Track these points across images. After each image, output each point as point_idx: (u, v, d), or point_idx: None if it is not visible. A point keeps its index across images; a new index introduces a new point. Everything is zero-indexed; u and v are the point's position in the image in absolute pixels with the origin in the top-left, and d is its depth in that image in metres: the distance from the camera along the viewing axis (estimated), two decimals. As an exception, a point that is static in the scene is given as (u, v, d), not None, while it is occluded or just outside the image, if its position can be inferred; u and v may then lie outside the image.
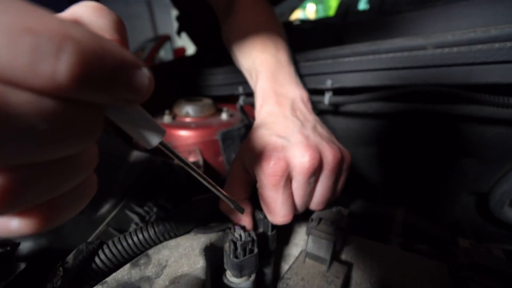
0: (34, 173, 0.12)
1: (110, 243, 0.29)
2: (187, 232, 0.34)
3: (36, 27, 0.10)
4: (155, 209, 0.44)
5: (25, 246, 0.32)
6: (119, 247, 0.29)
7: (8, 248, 0.27)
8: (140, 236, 0.30)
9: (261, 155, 0.30)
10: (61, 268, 0.25)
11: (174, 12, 0.91)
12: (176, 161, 0.21)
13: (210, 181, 0.24)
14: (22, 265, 0.27)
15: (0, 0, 0.09)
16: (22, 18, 0.10)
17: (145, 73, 0.14)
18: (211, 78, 0.79)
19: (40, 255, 0.32)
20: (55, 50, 0.10)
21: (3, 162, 0.10)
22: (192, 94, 0.81)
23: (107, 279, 0.28)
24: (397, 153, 0.62)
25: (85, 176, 0.15)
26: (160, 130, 0.18)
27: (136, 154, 0.46)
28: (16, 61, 0.09)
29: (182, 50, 2.21)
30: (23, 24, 0.09)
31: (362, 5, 1.27)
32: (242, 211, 0.29)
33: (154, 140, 0.17)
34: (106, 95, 0.12)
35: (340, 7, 1.28)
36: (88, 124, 0.12)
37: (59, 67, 0.10)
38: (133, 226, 0.42)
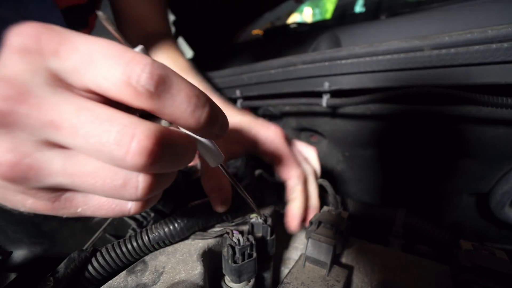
0: (162, 179, 0.19)
1: (103, 250, 0.29)
2: (184, 239, 0.33)
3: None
4: (152, 214, 0.44)
5: (19, 255, 0.31)
6: (113, 254, 0.28)
7: (0, 257, 0.26)
8: (134, 243, 0.29)
9: None
10: (51, 278, 0.24)
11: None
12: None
13: (246, 194, 0.30)
14: (13, 276, 0.26)
15: None
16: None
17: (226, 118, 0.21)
18: (209, 82, 0.78)
19: (34, 263, 0.32)
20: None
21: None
22: (190, 97, 0.81)
23: (102, 287, 0.27)
24: (396, 155, 0.62)
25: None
26: (221, 156, 0.25)
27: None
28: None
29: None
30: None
31: (359, 8, 1.28)
32: (260, 216, 0.33)
33: (217, 162, 0.25)
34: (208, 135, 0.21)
35: (336, 10, 1.29)
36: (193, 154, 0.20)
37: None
38: (130, 232, 0.42)
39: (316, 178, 0.43)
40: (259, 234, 0.33)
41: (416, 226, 0.43)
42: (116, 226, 0.42)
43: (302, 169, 0.39)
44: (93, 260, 0.28)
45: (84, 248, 0.36)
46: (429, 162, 0.58)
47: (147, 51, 0.18)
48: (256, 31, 1.39)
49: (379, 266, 0.34)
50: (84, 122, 0.15)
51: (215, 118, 0.19)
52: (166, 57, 0.53)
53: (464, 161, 0.53)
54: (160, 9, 0.58)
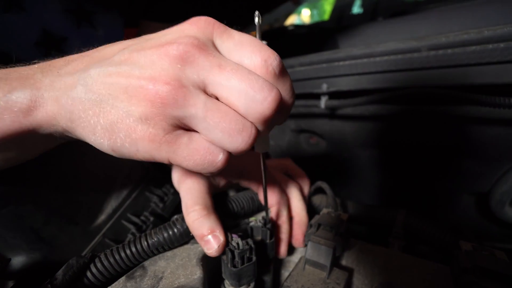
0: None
1: (102, 256, 0.29)
2: (183, 243, 0.33)
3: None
4: (152, 219, 0.44)
5: (18, 261, 0.31)
6: (112, 260, 0.28)
7: (-1, 264, 0.26)
8: (133, 249, 0.29)
9: None
10: (49, 285, 0.24)
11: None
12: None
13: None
14: (10, 283, 0.26)
15: None
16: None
17: None
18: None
19: (33, 270, 0.32)
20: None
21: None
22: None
23: (101, 293, 0.27)
24: (395, 156, 0.62)
25: None
26: (269, 145, 0.28)
27: (132, 164, 0.46)
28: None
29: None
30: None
31: (356, 9, 1.29)
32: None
33: (265, 149, 0.28)
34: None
35: (334, 11, 1.30)
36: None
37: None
38: (129, 236, 0.41)
39: (304, 191, 0.43)
40: (259, 237, 0.33)
41: (416, 227, 0.43)
42: (116, 231, 0.42)
43: (283, 193, 0.39)
44: (92, 266, 0.28)
45: (83, 253, 0.36)
46: (428, 162, 0.58)
47: None
48: (254, 33, 1.39)
49: (380, 267, 0.34)
50: (242, 69, 0.21)
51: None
52: None
53: (463, 161, 0.53)
54: None
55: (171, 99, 0.20)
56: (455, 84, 0.43)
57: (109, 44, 0.25)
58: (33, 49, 0.42)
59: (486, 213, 0.55)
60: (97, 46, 0.49)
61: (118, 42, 0.25)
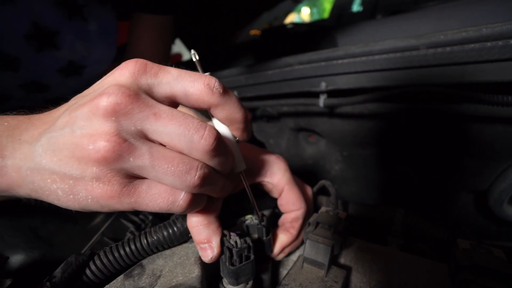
0: (212, 178, 0.25)
1: (101, 254, 0.29)
2: (182, 242, 0.33)
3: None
4: (150, 217, 0.44)
5: (16, 260, 0.31)
6: (111, 257, 0.28)
7: (-4, 263, 0.26)
8: (133, 247, 0.29)
9: None
10: (48, 283, 0.24)
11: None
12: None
13: (255, 202, 0.32)
14: (8, 281, 0.26)
15: None
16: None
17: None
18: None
19: (32, 268, 0.32)
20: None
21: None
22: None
23: (99, 291, 0.27)
24: (394, 154, 0.62)
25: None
26: (243, 164, 0.29)
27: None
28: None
29: (179, 56, 2.22)
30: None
31: (356, 7, 1.28)
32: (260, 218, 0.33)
33: (240, 168, 0.29)
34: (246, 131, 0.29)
35: (334, 9, 1.29)
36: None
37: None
38: (128, 235, 0.41)
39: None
40: (255, 236, 0.33)
41: (415, 225, 0.43)
42: (115, 229, 0.42)
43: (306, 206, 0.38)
44: (91, 263, 0.28)
45: (82, 251, 0.36)
46: (427, 161, 0.58)
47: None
48: (254, 32, 1.39)
49: (378, 266, 0.34)
50: (177, 114, 0.22)
51: (248, 118, 0.28)
52: None
53: (462, 159, 0.53)
54: (164, 51, 0.67)
55: (114, 155, 0.20)
56: (454, 82, 0.43)
57: (58, 107, 0.25)
58: (23, 42, 0.41)
59: (485, 211, 0.55)
60: (90, 40, 0.50)
61: (65, 104, 0.24)
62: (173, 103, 0.25)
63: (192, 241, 0.33)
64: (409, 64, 0.45)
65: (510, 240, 0.55)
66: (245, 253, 0.28)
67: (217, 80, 0.24)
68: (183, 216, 0.32)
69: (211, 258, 0.28)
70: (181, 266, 0.30)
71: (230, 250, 0.28)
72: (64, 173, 0.21)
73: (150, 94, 0.23)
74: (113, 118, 0.20)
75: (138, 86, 0.22)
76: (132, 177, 0.22)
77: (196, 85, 0.24)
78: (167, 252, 0.32)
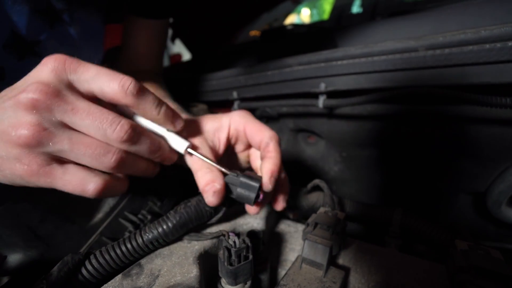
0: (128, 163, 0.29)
1: (97, 253, 0.29)
2: (179, 240, 0.33)
3: None
4: (149, 217, 0.44)
5: (14, 259, 0.31)
6: (107, 257, 0.28)
7: (-6, 262, 0.26)
8: (128, 245, 0.29)
9: None
10: (44, 281, 0.24)
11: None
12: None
13: (220, 166, 0.34)
14: (5, 279, 0.26)
15: None
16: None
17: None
18: (206, 83, 0.79)
19: (30, 267, 0.32)
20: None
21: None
22: (188, 99, 0.81)
23: (97, 291, 0.27)
24: (392, 155, 0.62)
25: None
26: (185, 142, 0.33)
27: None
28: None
29: (178, 56, 2.22)
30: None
31: (356, 8, 1.29)
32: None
33: (182, 147, 0.33)
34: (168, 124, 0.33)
35: (333, 10, 1.30)
36: None
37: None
38: (126, 235, 0.41)
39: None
40: (233, 195, 0.34)
41: (413, 226, 0.43)
42: (113, 229, 0.42)
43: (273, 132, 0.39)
44: (87, 263, 0.28)
45: (80, 251, 0.36)
46: (425, 162, 0.58)
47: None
48: (254, 32, 1.39)
49: (376, 266, 0.34)
50: (94, 110, 0.26)
51: (170, 113, 0.31)
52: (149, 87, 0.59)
53: (460, 160, 0.53)
54: (157, 53, 0.68)
55: (34, 140, 0.24)
56: (452, 84, 0.43)
57: None
58: (2, 51, 0.41)
59: (483, 213, 0.55)
60: (74, 44, 0.50)
61: (4, 90, 0.27)
62: (95, 98, 0.28)
63: (189, 240, 0.33)
64: (408, 66, 0.46)
65: (508, 241, 0.55)
66: (244, 253, 0.28)
67: (132, 81, 0.27)
68: (176, 210, 0.32)
69: (216, 191, 0.31)
70: (179, 265, 0.30)
71: (229, 250, 0.28)
72: None
73: (72, 88, 0.26)
74: (34, 111, 0.24)
75: (60, 81, 0.25)
76: (53, 161, 0.26)
77: (111, 85, 0.26)
78: (165, 251, 0.32)
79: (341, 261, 0.36)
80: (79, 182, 0.27)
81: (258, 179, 0.33)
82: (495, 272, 0.27)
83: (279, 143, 0.37)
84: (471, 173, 0.53)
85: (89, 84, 0.27)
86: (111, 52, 0.58)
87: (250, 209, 0.37)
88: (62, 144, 0.25)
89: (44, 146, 0.24)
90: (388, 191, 0.66)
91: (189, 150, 0.33)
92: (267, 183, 0.34)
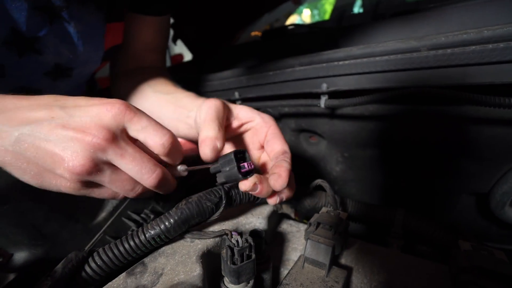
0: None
1: (100, 251, 0.29)
2: (180, 233, 0.33)
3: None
4: (152, 216, 0.44)
5: (20, 257, 0.31)
6: (110, 254, 0.29)
7: (0, 259, 0.26)
8: (131, 242, 0.30)
9: None
10: (49, 278, 0.24)
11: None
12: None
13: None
14: (12, 276, 0.26)
15: None
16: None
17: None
18: (207, 84, 0.79)
19: (35, 265, 0.32)
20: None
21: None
22: (190, 100, 0.81)
23: (102, 288, 0.27)
24: (394, 155, 0.62)
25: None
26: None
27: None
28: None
29: (180, 57, 2.22)
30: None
31: (357, 8, 1.29)
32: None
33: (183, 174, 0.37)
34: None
35: (334, 11, 1.30)
36: None
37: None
38: (129, 233, 0.42)
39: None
40: (223, 179, 0.35)
41: (415, 226, 0.43)
42: (116, 228, 0.42)
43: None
44: (90, 260, 0.28)
45: (85, 249, 0.37)
46: (428, 162, 0.58)
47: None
48: (255, 33, 1.40)
49: (378, 267, 0.34)
50: (138, 157, 0.31)
51: (179, 159, 0.37)
52: (154, 86, 0.60)
53: (463, 161, 0.53)
54: (160, 48, 0.69)
55: (85, 173, 0.28)
56: (455, 84, 0.43)
57: (41, 104, 0.30)
58: (2, 49, 0.42)
59: (486, 214, 0.55)
60: (74, 42, 0.53)
61: (47, 104, 0.30)
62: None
63: (192, 239, 0.34)
64: (410, 66, 0.46)
65: (511, 243, 0.55)
66: (247, 252, 0.28)
67: (169, 139, 0.33)
68: (177, 206, 0.33)
69: (215, 147, 0.36)
70: (182, 264, 0.30)
71: (232, 249, 0.28)
72: (37, 163, 0.28)
73: (125, 134, 0.31)
74: (92, 151, 0.28)
75: (117, 126, 0.30)
76: (93, 185, 0.31)
77: (154, 140, 0.32)
78: (169, 250, 0.32)
79: (343, 261, 0.36)
80: (110, 195, 0.34)
81: (232, 152, 0.34)
82: (499, 273, 0.27)
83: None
84: (473, 173, 0.53)
85: (138, 133, 0.32)
86: (111, 51, 0.58)
87: (270, 200, 0.37)
88: (103, 178, 0.30)
89: (89, 177, 0.29)
90: (390, 191, 0.66)
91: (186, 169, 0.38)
92: (282, 181, 0.35)
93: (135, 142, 0.33)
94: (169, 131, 0.33)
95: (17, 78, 0.48)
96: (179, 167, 0.37)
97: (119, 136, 0.30)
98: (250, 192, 0.35)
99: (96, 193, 0.32)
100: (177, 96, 0.54)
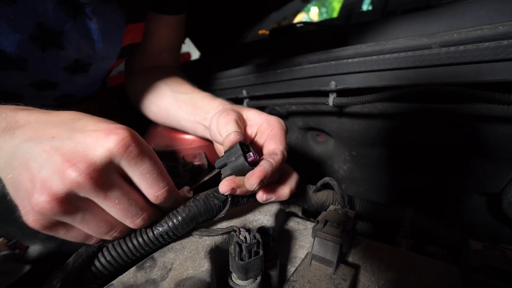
0: None
1: (110, 246, 0.30)
2: (189, 235, 0.34)
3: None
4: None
5: (34, 249, 0.32)
6: (119, 250, 0.29)
7: (17, 251, 0.27)
8: (140, 239, 0.30)
9: None
10: (60, 271, 0.25)
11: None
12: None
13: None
14: (27, 267, 0.27)
15: None
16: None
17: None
18: (215, 82, 0.79)
19: (48, 258, 0.33)
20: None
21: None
22: (197, 98, 0.82)
23: (113, 282, 0.28)
24: (404, 154, 0.61)
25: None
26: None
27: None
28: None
29: (188, 55, 2.24)
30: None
31: (366, 6, 1.27)
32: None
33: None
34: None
35: (343, 8, 1.28)
36: None
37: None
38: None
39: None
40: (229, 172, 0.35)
41: (424, 226, 0.43)
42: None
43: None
44: (100, 255, 0.29)
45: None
46: (438, 161, 0.57)
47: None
48: (262, 31, 1.39)
49: (386, 265, 0.34)
50: (123, 202, 0.27)
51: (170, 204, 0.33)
52: (171, 85, 0.60)
53: (475, 160, 0.52)
54: (176, 47, 0.70)
55: (48, 212, 0.24)
56: (467, 82, 0.42)
57: (55, 121, 0.28)
58: (28, 43, 0.42)
59: (498, 214, 0.54)
60: (94, 38, 0.52)
61: (61, 122, 0.28)
62: None
63: (200, 235, 0.34)
64: (421, 63, 0.45)
65: (525, 244, 0.54)
66: (254, 249, 0.29)
67: (165, 192, 0.30)
68: (185, 204, 0.33)
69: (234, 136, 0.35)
70: (191, 259, 0.30)
71: (240, 245, 0.28)
72: (15, 189, 0.26)
73: (117, 170, 0.27)
74: (68, 187, 0.24)
75: (110, 163, 0.26)
76: (59, 225, 0.26)
77: (148, 190, 0.29)
78: (177, 246, 0.33)
79: (350, 259, 0.36)
80: (81, 239, 0.29)
81: (237, 144, 0.34)
82: (511, 273, 0.26)
83: (283, 162, 0.36)
84: (485, 173, 0.52)
85: (134, 176, 0.28)
86: (129, 48, 0.59)
87: (257, 195, 0.36)
88: (74, 219, 0.26)
89: (55, 216, 0.25)
90: (398, 191, 0.65)
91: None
92: (252, 180, 0.32)
93: (125, 178, 0.29)
94: (168, 183, 0.30)
95: (38, 71, 0.49)
96: (185, 189, 0.36)
97: (109, 174, 0.26)
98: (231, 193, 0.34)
99: (65, 235, 0.27)
100: (195, 97, 0.55)
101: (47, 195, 0.23)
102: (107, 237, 0.29)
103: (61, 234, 0.27)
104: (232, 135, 0.35)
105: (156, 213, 0.31)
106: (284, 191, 0.37)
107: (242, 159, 0.33)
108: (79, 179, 0.24)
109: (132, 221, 0.29)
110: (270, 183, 0.37)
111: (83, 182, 0.24)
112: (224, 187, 0.33)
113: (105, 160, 0.25)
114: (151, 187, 0.29)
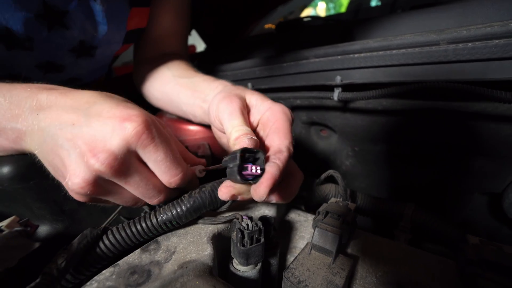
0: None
1: (114, 229, 0.30)
2: (192, 223, 0.34)
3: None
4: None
5: (43, 230, 0.33)
6: (123, 233, 0.30)
7: (28, 228, 0.28)
8: (143, 224, 0.31)
9: None
10: (65, 251, 0.26)
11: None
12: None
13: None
14: (37, 244, 0.28)
15: None
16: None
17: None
18: (220, 74, 0.79)
19: (55, 238, 0.34)
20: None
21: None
22: (202, 90, 0.82)
23: (118, 262, 0.29)
24: (407, 151, 0.61)
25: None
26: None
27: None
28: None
29: (193, 47, 2.23)
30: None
31: (374, 1, 1.25)
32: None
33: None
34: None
35: (351, 3, 1.27)
36: None
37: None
38: (142, 215, 0.43)
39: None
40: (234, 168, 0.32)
41: (424, 221, 0.43)
42: (130, 209, 0.44)
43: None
44: (104, 237, 0.30)
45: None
46: (440, 159, 0.57)
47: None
48: (269, 25, 1.38)
49: (385, 258, 0.35)
50: (143, 185, 0.31)
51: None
52: (174, 70, 0.60)
53: (477, 159, 0.52)
54: (182, 35, 0.69)
55: (82, 193, 0.28)
56: (474, 79, 0.42)
57: (73, 106, 0.30)
58: (34, 21, 0.43)
59: (498, 214, 0.54)
60: (98, 20, 0.52)
61: (77, 107, 0.30)
62: None
63: (204, 223, 0.35)
64: (428, 60, 0.45)
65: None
66: (256, 236, 0.29)
67: (179, 178, 0.32)
68: (190, 194, 0.33)
69: (250, 140, 0.32)
70: (194, 244, 0.31)
71: (242, 232, 0.29)
72: (55, 162, 0.30)
73: (135, 156, 0.30)
74: (94, 174, 0.27)
75: (127, 150, 0.28)
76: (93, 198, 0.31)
77: (162, 176, 0.31)
78: (181, 231, 0.34)
79: (349, 250, 0.36)
80: (126, 202, 0.33)
81: (240, 149, 0.29)
82: (507, 267, 0.27)
83: (289, 158, 0.32)
84: (487, 172, 0.52)
85: (148, 162, 0.31)
86: (133, 33, 0.59)
87: (283, 199, 0.32)
88: (105, 197, 0.30)
89: (87, 195, 0.29)
90: (400, 187, 0.65)
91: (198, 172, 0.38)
92: (261, 191, 0.28)
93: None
94: (182, 169, 0.32)
95: (44, 52, 0.49)
96: (197, 168, 0.37)
97: (128, 161, 0.29)
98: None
99: (101, 202, 0.33)
100: (195, 81, 0.54)
101: (79, 179, 0.27)
102: (137, 206, 0.35)
103: (101, 202, 0.32)
104: (243, 142, 0.31)
105: (172, 193, 0.34)
106: (287, 194, 0.33)
107: (235, 171, 0.28)
108: (101, 168, 0.27)
109: (150, 201, 0.33)
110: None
111: (105, 171, 0.27)
112: (223, 194, 0.31)
113: (123, 149, 0.28)
114: (164, 174, 0.31)
